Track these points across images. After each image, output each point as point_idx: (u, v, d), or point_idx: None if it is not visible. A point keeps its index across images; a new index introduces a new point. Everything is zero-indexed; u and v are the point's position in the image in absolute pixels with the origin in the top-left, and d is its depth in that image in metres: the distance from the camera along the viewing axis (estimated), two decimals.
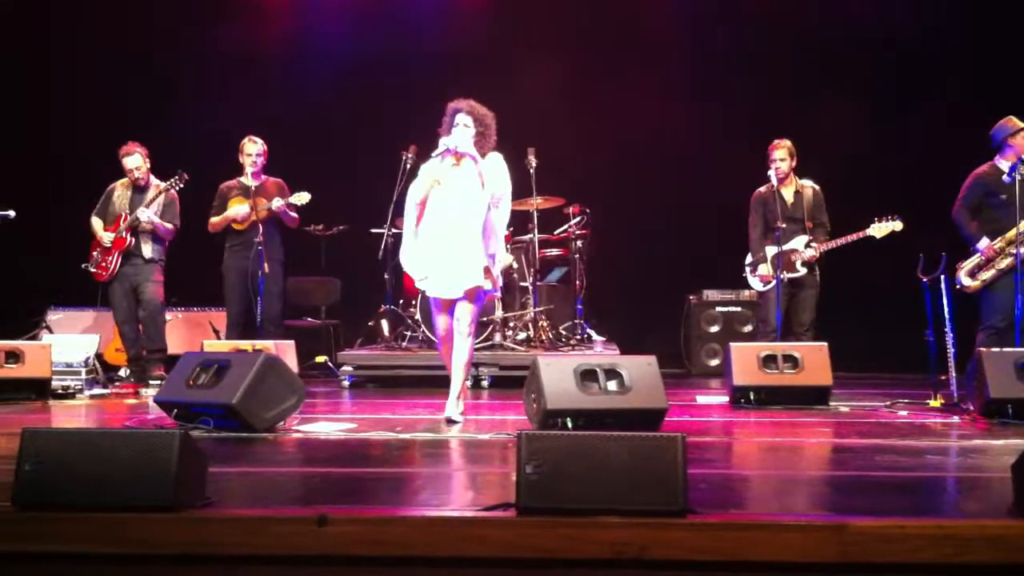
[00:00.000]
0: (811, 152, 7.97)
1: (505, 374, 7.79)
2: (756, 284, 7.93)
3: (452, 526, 3.26)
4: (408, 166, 8.24)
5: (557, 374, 5.23)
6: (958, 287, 6.96)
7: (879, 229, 7.52)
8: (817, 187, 7.84)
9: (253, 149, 8.04)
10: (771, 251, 7.72)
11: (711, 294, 9.51)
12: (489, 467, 4.52)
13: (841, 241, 7.65)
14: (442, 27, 9.89)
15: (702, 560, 3.16)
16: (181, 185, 7.84)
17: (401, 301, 8.45)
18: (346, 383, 7.97)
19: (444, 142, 5.82)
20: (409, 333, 8.30)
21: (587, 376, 5.27)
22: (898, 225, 7.50)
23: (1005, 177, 6.96)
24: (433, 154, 5.85)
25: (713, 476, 4.23)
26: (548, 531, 3.19)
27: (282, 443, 5.17)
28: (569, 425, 5.09)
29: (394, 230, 8.22)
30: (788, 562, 3.15)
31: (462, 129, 5.87)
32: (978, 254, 7.05)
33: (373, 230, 8.32)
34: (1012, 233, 6.87)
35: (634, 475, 3.25)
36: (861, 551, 3.14)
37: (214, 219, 8.08)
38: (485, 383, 7.87)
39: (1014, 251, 6.82)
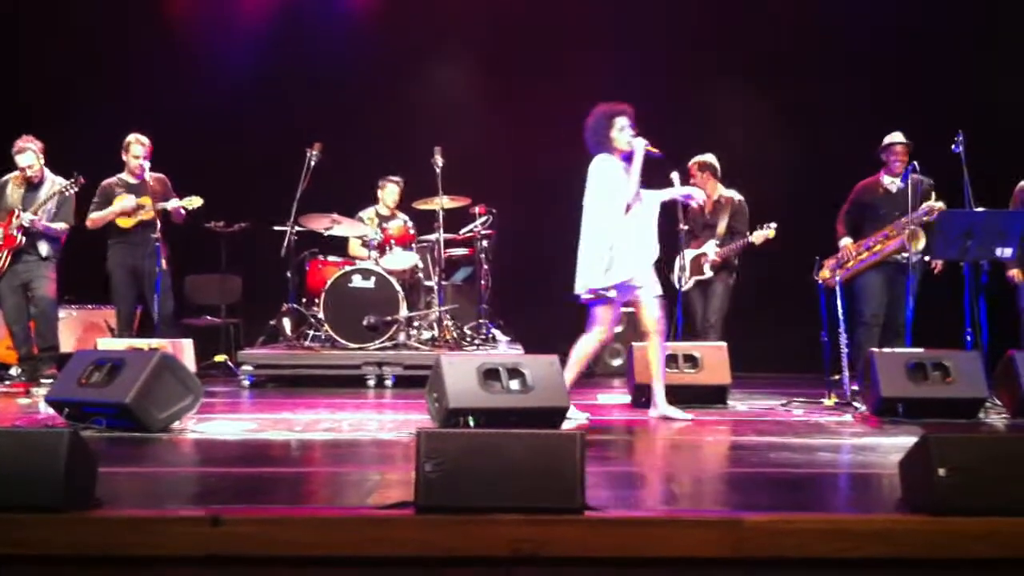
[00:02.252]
0: (721, 154, 8.09)
1: (409, 373, 7.76)
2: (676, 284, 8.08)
3: (350, 525, 3.23)
4: (312, 163, 8.16)
5: (460, 373, 5.22)
6: (817, 281, 7.13)
7: (757, 236, 7.74)
8: (740, 198, 8.01)
9: (140, 151, 7.85)
10: (689, 254, 7.89)
11: None
12: (390, 466, 4.49)
13: (733, 247, 7.84)
14: (348, 25, 9.80)
15: (599, 557, 3.18)
16: (76, 189, 7.62)
17: (304, 300, 8.36)
18: (246, 383, 7.84)
19: (642, 144, 5.90)
20: (312, 332, 8.21)
21: (490, 375, 5.27)
22: (771, 233, 7.73)
23: (899, 182, 7.21)
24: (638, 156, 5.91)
25: (612, 474, 4.27)
26: (446, 529, 3.18)
27: (177, 443, 5.07)
28: (471, 424, 5.08)
29: (297, 227, 8.14)
30: (684, 557, 3.19)
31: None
32: (839, 252, 7.47)
33: (276, 227, 8.21)
34: (871, 238, 7.36)
35: (533, 473, 3.26)
36: (755, 546, 3.19)
37: (95, 215, 7.85)
38: (388, 382, 7.83)
39: (864, 255, 7.16)
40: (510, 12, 9.81)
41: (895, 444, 4.96)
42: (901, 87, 9.17)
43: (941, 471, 3.20)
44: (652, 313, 6.02)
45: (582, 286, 5.98)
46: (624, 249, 5.85)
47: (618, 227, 5.85)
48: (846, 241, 7.47)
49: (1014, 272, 7.19)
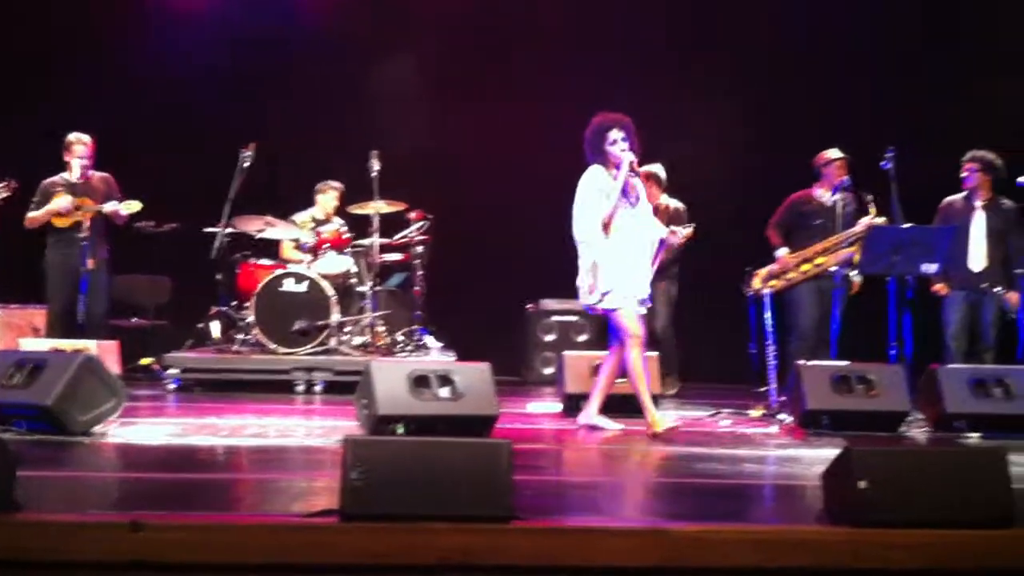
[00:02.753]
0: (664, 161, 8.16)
1: (339, 379, 7.69)
2: None
3: (273, 533, 3.19)
4: (246, 164, 8.06)
5: (390, 379, 5.20)
6: (748, 292, 7.20)
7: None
8: (680, 205, 8.04)
9: (81, 150, 7.72)
10: None
11: (549, 303, 9.61)
12: (318, 473, 4.45)
13: (658, 258, 7.82)
14: (283, 25, 9.71)
15: (526, 565, 3.18)
16: (7, 193, 7.44)
17: (234, 303, 8.25)
18: (172, 386, 7.72)
19: (627, 158, 5.84)
20: (241, 336, 8.10)
21: (420, 382, 5.26)
22: (687, 232, 7.72)
23: (831, 196, 7.30)
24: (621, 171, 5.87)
25: (541, 483, 4.27)
26: (372, 537, 3.16)
27: (99, 447, 4.97)
28: (400, 431, 5.06)
29: (229, 229, 8.04)
30: (610, 566, 3.20)
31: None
32: (774, 264, 7.34)
33: (207, 229, 8.09)
34: (810, 251, 7.25)
35: (461, 481, 3.25)
36: (680, 555, 3.22)
37: (31, 215, 7.69)
38: (318, 388, 7.75)
39: (807, 268, 7.17)
40: (453, 15, 9.79)
41: (819, 456, 5.02)
42: (832, 101, 9.29)
43: (862, 483, 3.26)
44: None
45: (583, 302, 6.01)
46: (609, 264, 5.79)
47: (600, 240, 5.80)
48: (783, 252, 7.37)
49: (939, 286, 7.31)
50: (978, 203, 7.34)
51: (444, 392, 5.28)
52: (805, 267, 7.24)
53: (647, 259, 5.97)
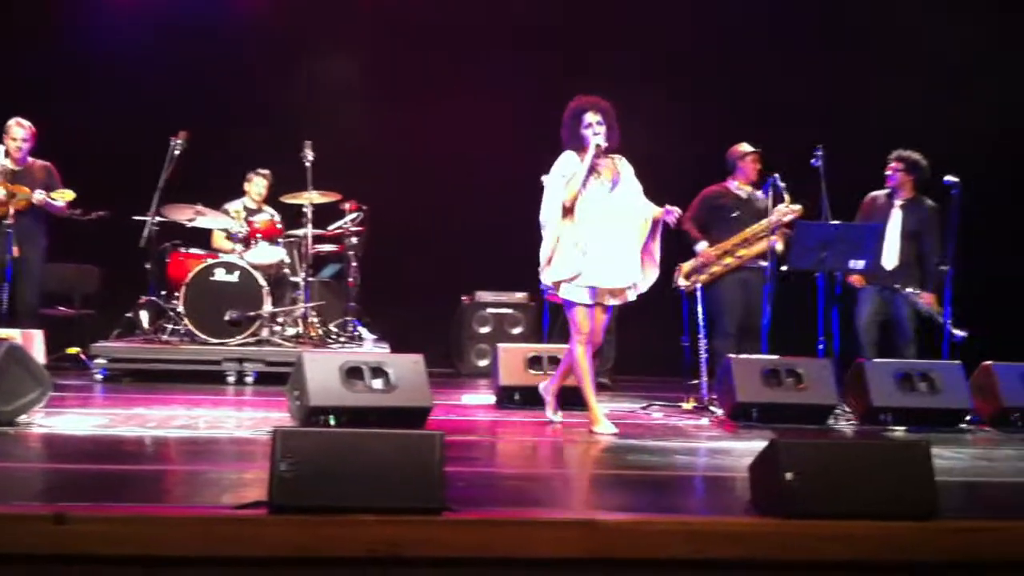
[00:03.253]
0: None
1: (271, 370, 7.60)
2: None
3: (200, 525, 3.16)
4: (176, 152, 7.94)
5: (322, 371, 5.16)
6: (674, 287, 7.26)
7: None
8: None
9: (19, 133, 7.56)
10: None
11: (484, 295, 9.60)
12: (248, 465, 4.40)
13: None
14: (217, 12, 9.56)
15: (457, 557, 3.18)
16: None
17: (164, 292, 8.12)
18: (99, 376, 7.58)
19: (594, 142, 5.60)
20: (170, 326, 7.98)
21: (352, 373, 5.23)
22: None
23: (760, 193, 7.36)
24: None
25: (473, 474, 4.27)
26: (301, 529, 3.14)
27: (23, 437, 4.86)
28: (332, 422, 5.03)
29: (158, 218, 7.92)
30: (541, 558, 3.21)
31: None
32: (696, 257, 7.39)
33: (136, 217, 7.95)
34: (728, 243, 7.28)
35: (392, 473, 3.24)
36: (611, 547, 3.24)
37: None
38: (249, 379, 7.66)
39: (730, 261, 7.25)
40: (391, 7, 9.72)
41: (748, 448, 5.08)
42: (759, 98, 9.38)
43: (788, 475, 3.30)
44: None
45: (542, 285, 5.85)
46: (565, 252, 5.53)
47: (563, 223, 5.54)
48: (703, 245, 7.35)
49: (855, 278, 7.36)
50: (898, 201, 7.46)
51: (377, 384, 5.26)
52: (728, 260, 7.30)
53: (625, 247, 5.63)
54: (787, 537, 3.27)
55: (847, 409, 6.50)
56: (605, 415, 5.71)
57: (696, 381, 6.92)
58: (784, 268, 7.09)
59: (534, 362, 6.75)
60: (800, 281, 7.41)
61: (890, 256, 7.35)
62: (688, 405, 6.77)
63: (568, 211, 5.55)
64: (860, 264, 6.88)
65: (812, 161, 7.01)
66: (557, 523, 3.28)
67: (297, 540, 3.13)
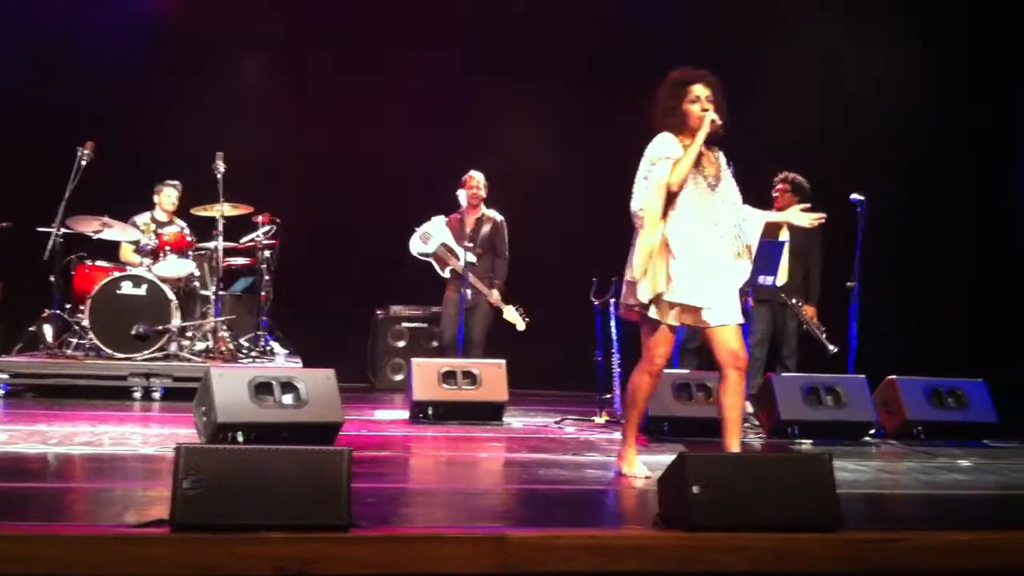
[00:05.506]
0: (500, 174, 8.19)
1: (179, 385, 7.45)
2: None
3: (101, 544, 3.07)
4: (83, 163, 7.76)
5: (230, 386, 5.07)
6: (593, 299, 7.29)
7: (509, 316, 7.80)
8: (500, 218, 8.02)
9: None
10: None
11: (398, 309, 9.57)
12: (153, 483, 4.31)
13: (496, 302, 7.83)
14: (126, 22, 9.38)
15: (365, 574, 3.14)
16: None
17: (68, 306, 7.92)
18: (0, 392, 7.36)
19: (709, 118, 4.53)
20: (75, 340, 7.78)
21: (262, 389, 5.16)
22: (521, 326, 7.78)
23: None
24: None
25: (383, 490, 4.24)
26: (204, 547, 3.08)
27: None
28: (240, 439, 4.95)
29: (64, 229, 7.73)
30: (450, 574, 3.19)
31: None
32: None
33: (40, 228, 7.75)
34: None
35: (299, 490, 3.20)
36: (521, 561, 3.23)
37: None
38: (156, 395, 7.50)
39: None
40: (302, 13, 9.63)
41: (659, 462, 5.12)
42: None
43: (695, 488, 3.34)
44: (725, 343, 4.61)
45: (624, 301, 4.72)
46: (670, 258, 4.50)
47: (662, 227, 4.52)
48: None
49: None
50: None
51: (287, 399, 5.19)
52: None
53: (727, 259, 4.65)
54: (692, 550, 3.30)
55: (756, 422, 6.60)
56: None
57: (609, 395, 6.96)
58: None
59: (448, 376, 6.73)
60: None
61: (780, 273, 7.50)
62: (601, 419, 6.82)
63: (666, 206, 4.52)
64: (769, 280, 6.99)
65: None
66: (466, 539, 3.26)
67: (200, 559, 3.07)
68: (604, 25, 9.59)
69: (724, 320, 4.57)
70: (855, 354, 6.89)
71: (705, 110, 4.52)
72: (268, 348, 8.52)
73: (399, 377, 9.31)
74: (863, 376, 6.64)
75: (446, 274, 7.93)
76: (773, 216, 4.93)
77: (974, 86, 9.11)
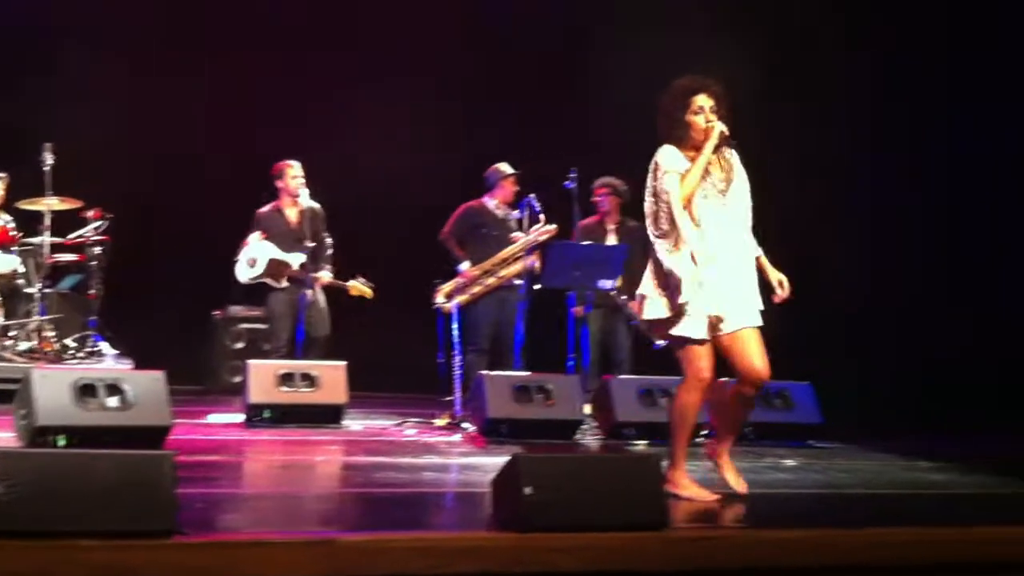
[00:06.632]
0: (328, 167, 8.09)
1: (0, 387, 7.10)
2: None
3: None
4: None
5: (52, 388, 4.86)
6: (435, 306, 7.31)
7: (355, 287, 7.64)
8: (318, 206, 7.83)
9: None
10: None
11: (237, 310, 9.34)
12: None
13: (335, 283, 7.68)
14: None
15: None
16: None
17: None
18: None
19: (718, 128, 4.43)
20: None
21: (86, 391, 4.95)
22: (369, 293, 7.65)
23: (515, 212, 7.50)
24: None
25: (212, 495, 4.12)
26: (17, 555, 2.93)
27: None
28: (62, 443, 4.74)
29: None
30: None
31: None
32: (459, 277, 7.47)
33: None
34: (488, 263, 7.39)
35: (119, 495, 3.09)
36: (351, 565, 3.20)
37: None
38: None
39: (489, 280, 7.37)
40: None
41: (496, 464, 5.09)
42: (523, 112, 9.57)
43: (527, 489, 3.36)
44: (745, 353, 4.34)
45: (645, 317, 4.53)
46: (685, 269, 4.33)
47: (678, 239, 4.36)
48: (466, 265, 7.45)
49: (577, 308, 7.39)
50: (610, 225, 7.83)
51: (113, 402, 5.00)
52: (489, 280, 7.40)
53: (747, 264, 4.46)
54: (524, 551, 3.32)
55: (594, 424, 6.70)
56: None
57: (450, 398, 6.95)
58: (537, 287, 7.26)
59: (286, 379, 6.60)
60: (555, 298, 7.60)
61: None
62: (441, 422, 6.80)
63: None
64: (609, 284, 7.13)
65: (566, 184, 7.23)
66: (294, 543, 3.20)
67: (13, 567, 2.93)
68: (452, 23, 9.61)
69: (744, 323, 4.37)
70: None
71: (709, 122, 4.42)
72: (97, 349, 8.19)
73: (237, 379, 9.07)
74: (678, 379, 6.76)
75: (283, 284, 7.64)
76: (765, 264, 4.59)
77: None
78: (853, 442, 6.74)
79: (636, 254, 7.53)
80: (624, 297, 7.52)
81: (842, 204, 8.59)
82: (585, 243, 7.30)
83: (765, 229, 4.54)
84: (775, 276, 4.52)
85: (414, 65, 9.52)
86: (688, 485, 4.43)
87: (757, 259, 4.50)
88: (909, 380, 7.94)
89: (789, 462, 5.83)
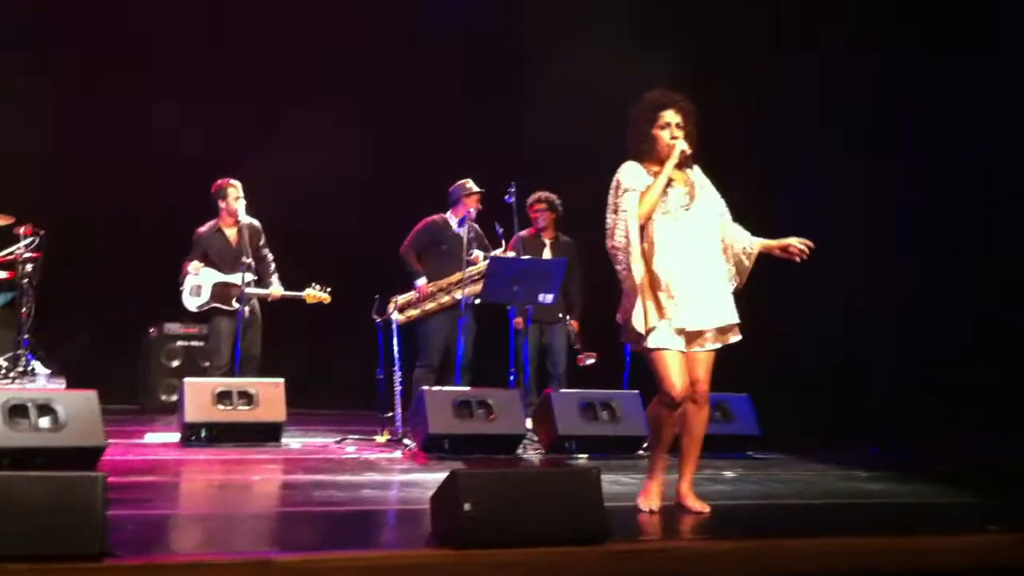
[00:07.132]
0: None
1: None
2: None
3: None
4: None
5: None
6: (378, 320, 7.23)
7: (311, 295, 7.60)
8: (256, 222, 7.76)
9: None
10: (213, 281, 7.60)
11: (172, 327, 9.21)
12: None
13: (290, 294, 7.60)
14: None
15: None
16: None
17: None
18: None
19: (679, 147, 4.45)
20: None
21: (16, 412, 4.87)
22: (327, 298, 7.62)
23: (456, 228, 7.49)
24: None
25: (146, 517, 4.04)
26: None
27: None
28: None
29: None
30: None
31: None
32: (414, 291, 7.46)
33: None
34: (444, 282, 7.40)
35: (48, 518, 3.02)
36: None
37: None
38: None
39: (444, 297, 7.36)
40: (80, 8, 9.13)
41: (437, 480, 5.05)
42: (466, 128, 9.55)
43: (467, 505, 3.33)
44: (694, 369, 4.43)
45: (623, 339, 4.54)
46: (655, 288, 4.37)
47: (637, 258, 4.37)
48: (423, 281, 7.43)
49: (517, 320, 7.47)
50: (547, 240, 7.88)
51: (44, 422, 4.91)
52: (444, 299, 7.38)
53: (714, 275, 4.46)
54: (463, 567, 3.30)
55: (535, 438, 6.69)
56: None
57: (391, 414, 6.90)
58: (478, 301, 7.24)
59: (223, 397, 6.51)
60: (495, 313, 7.59)
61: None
62: (382, 438, 6.75)
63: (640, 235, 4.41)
64: (549, 298, 7.13)
65: (506, 198, 7.22)
66: (228, 565, 3.14)
67: None
68: (391, 40, 9.58)
69: (698, 345, 4.42)
70: (629, 370, 7.07)
71: (675, 138, 4.44)
72: (28, 368, 8.02)
73: (173, 398, 8.94)
74: (637, 391, 6.80)
75: (234, 305, 7.51)
76: (769, 243, 4.53)
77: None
78: (792, 453, 6.81)
79: (570, 268, 7.61)
80: (561, 316, 7.56)
81: (842, 204, 8.56)
82: (525, 257, 7.30)
83: (765, 230, 4.58)
84: (782, 242, 4.49)
85: (347, 82, 9.48)
86: (653, 497, 4.45)
87: (761, 243, 4.49)
88: (909, 381, 7.90)
89: (728, 473, 5.86)
